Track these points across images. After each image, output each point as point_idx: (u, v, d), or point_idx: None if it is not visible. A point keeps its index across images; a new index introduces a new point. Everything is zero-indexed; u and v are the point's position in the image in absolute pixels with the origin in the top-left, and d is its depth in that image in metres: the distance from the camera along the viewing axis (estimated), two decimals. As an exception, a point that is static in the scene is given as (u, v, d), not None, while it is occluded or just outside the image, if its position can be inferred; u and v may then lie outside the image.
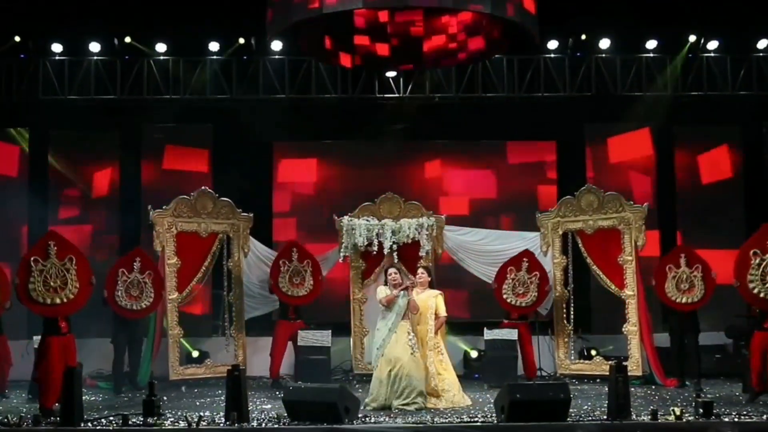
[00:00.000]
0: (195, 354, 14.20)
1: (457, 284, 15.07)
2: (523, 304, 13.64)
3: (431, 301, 11.10)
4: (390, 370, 10.42)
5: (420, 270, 11.55)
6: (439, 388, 10.86)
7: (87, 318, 11.54)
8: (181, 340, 13.62)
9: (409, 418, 9.79)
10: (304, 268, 13.89)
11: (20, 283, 10.36)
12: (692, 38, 15.42)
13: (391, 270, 11.05)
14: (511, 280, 13.68)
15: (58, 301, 10.45)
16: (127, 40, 15.20)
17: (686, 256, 12.74)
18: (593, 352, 14.15)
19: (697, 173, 16.63)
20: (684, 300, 12.65)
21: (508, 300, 13.66)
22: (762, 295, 10.97)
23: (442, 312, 11.22)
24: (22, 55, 15.40)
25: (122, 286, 12.43)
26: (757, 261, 11.01)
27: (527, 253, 13.82)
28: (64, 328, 10.74)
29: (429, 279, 11.35)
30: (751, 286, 11.04)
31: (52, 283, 10.40)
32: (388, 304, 10.69)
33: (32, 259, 10.38)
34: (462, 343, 14.77)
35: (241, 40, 15.38)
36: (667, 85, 15.70)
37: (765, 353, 11.01)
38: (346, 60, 12.07)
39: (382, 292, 10.85)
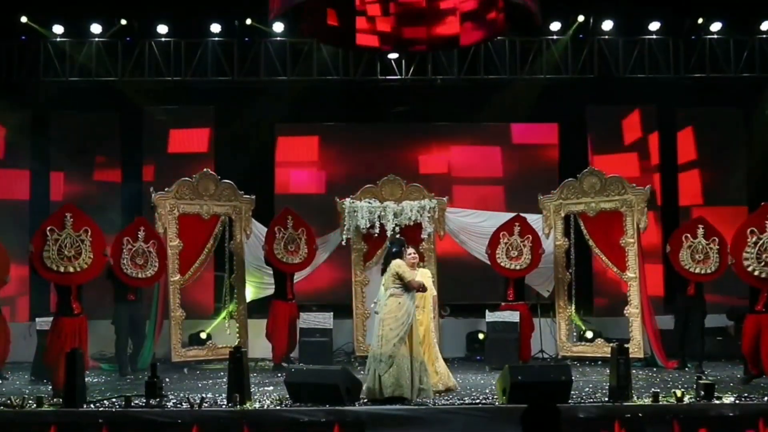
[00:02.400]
0: (203, 335, 14.21)
1: (458, 266, 15.06)
2: (518, 267, 13.63)
3: (428, 281, 10.94)
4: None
5: (410, 249, 11.28)
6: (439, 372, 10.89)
7: (88, 301, 11.55)
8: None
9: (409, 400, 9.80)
10: (299, 235, 13.88)
11: (35, 250, 10.51)
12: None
13: (411, 249, 10.49)
14: (504, 245, 13.68)
15: (71, 269, 10.60)
16: (123, 21, 15.17)
17: (704, 228, 12.68)
18: (589, 334, 14.13)
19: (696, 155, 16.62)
20: (697, 270, 12.58)
21: (502, 264, 13.65)
22: (756, 273, 11.07)
23: (434, 291, 11.30)
24: (23, 37, 15.36)
25: (127, 255, 12.43)
26: (754, 239, 11.11)
27: (519, 218, 13.85)
28: (76, 309, 10.82)
29: (417, 259, 11.22)
30: (745, 263, 11.14)
31: (66, 252, 10.57)
32: (408, 286, 9.93)
33: (48, 228, 10.54)
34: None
35: (248, 21, 15.34)
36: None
37: (758, 336, 11.05)
38: (348, 43, 12.01)
39: (406, 269, 10.01)
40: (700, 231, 12.65)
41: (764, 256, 11.02)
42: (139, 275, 12.55)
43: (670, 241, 12.89)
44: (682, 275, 12.76)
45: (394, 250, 10.19)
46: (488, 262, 13.93)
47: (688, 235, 12.69)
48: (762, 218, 11.15)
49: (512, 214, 14.61)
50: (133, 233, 12.59)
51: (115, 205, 15.99)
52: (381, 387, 9.67)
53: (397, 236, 12.98)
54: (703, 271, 12.58)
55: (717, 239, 12.49)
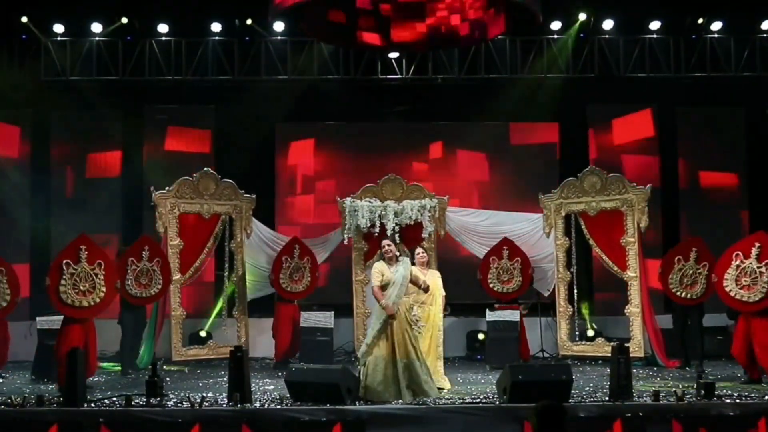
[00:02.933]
0: (203, 334, 14.20)
1: (458, 266, 15.06)
2: (510, 290, 13.74)
3: (438, 281, 11.22)
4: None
5: (419, 249, 11.50)
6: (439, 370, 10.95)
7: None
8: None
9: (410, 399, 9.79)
10: (304, 264, 13.93)
11: (51, 284, 10.62)
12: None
13: (385, 242, 10.31)
14: (494, 269, 13.81)
15: (85, 304, 10.71)
16: (124, 20, 15.16)
17: (697, 251, 12.75)
18: (590, 333, 14.16)
19: (699, 154, 16.61)
20: (683, 294, 12.73)
21: (495, 288, 13.78)
22: (732, 294, 11.23)
23: (443, 291, 11.33)
24: (24, 36, 15.36)
25: (131, 275, 12.44)
26: (737, 263, 11.24)
27: (506, 241, 13.93)
28: None
29: (427, 259, 11.41)
30: (725, 284, 11.31)
31: (81, 287, 10.68)
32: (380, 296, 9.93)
33: (64, 262, 10.64)
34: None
35: (248, 21, 15.34)
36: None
37: (751, 339, 11.07)
38: (349, 42, 12.02)
39: (377, 275, 10.02)
40: (693, 254, 12.74)
41: (742, 280, 11.14)
42: (143, 295, 12.57)
43: (662, 263, 12.99)
44: (671, 298, 13.01)
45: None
46: (480, 282, 13.94)
47: (681, 258, 12.78)
48: (750, 244, 11.30)
49: (513, 214, 14.66)
50: (138, 253, 12.56)
51: (116, 204, 16.01)
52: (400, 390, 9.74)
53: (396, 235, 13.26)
54: (688, 296, 12.72)
55: (708, 264, 12.55)
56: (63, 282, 10.57)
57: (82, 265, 10.70)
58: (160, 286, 12.66)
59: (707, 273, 12.46)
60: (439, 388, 10.49)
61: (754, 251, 11.13)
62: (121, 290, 12.25)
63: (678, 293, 12.75)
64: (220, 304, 14.25)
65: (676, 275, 12.74)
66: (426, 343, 10.87)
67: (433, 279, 11.17)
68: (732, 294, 11.23)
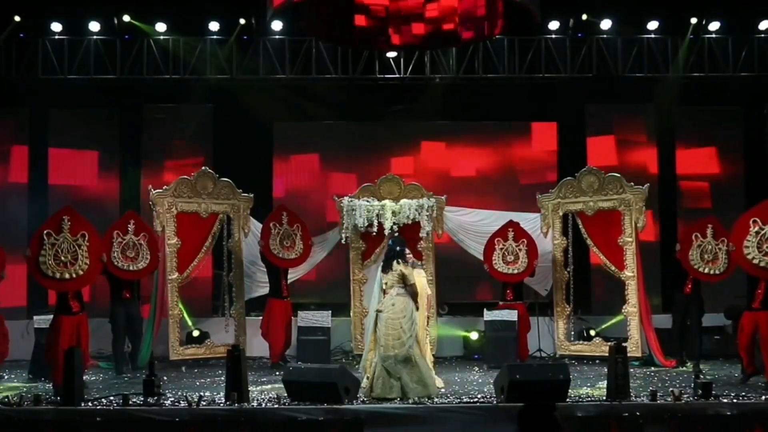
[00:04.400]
0: (195, 333, 14.18)
1: (456, 265, 15.07)
2: (515, 272, 13.65)
3: (423, 281, 11.33)
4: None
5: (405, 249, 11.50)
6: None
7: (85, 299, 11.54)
8: (184, 314, 13.79)
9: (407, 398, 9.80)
10: (294, 231, 13.89)
11: (32, 255, 10.44)
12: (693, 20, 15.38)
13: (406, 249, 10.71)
14: (499, 250, 13.72)
15: (67, 276, 10.53)
16: (126, 18, 15.14)
17: (713, 228, 12.65)
18: (592, 332, 14.18)
19: (697, 154, 16.62)
20: (707, 270, 12.55)
21: (500, 269, 13.68)
22: (755, 261, 11.06)
23: (428, 290, 11.50)
24: (21, 35, 15.34)
25: (118, 248, 12.43)
26: (756, 229, 11.11)
27: (512, 223, 13.88)
28: (75, 307, 10.83)
29: (412, 259, 11.38)
30: (746, 251, 11.13)
31: (62, 258, 10.49)
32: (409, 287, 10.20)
33: (45, 232, 10.45)
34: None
35: (242, 21, 15.32)
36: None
37: (755, 334, 11.07)
38: (347, 41, 12.00)
39: (410, 272, 10.33)
40: (709, 231, 12.63)
41: (765, 246, 11.02)
42: (131, 267, 12.54)
43: (681, 239, 12.88)
44: (691, 274, 12.74)
45: (398, 248, 10.38)
46: (484, 263, 13.92)
47: (698, 234, 12.66)
48: (766, 211, 11.19)
49: (510, 213, 14.62)
50: (123, 227, 12.61)
51: (114, 202, 16.00)
52: (403, 388, 9.71)
53: (396, 234, 13.07)
54: (712, 272, 12.56)
55: (726, 240, 12.38)
56: (43, 253, 10.36)
57: (65, 235, 10.49)
58: (147, 261, 12.63)
59: (726, 249, 12.29)
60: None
61: None
62: (107, 264, 12.13)
63: (701, 269, 12.55)
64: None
65: (696, 251, 12.56)
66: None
67: (418, 278, 11.06)
68: (756, 261, 11.03)
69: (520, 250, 13.66)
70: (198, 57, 15.56)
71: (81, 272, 10.59)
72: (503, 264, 13.68)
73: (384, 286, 10.33)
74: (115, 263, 12.41)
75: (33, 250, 10.42)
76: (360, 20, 11.27)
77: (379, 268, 10.62)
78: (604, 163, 15.31)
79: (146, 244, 12.67)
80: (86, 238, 10.63)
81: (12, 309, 13.48)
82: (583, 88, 15.97)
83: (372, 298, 10.53)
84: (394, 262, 10.22)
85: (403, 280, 10.12)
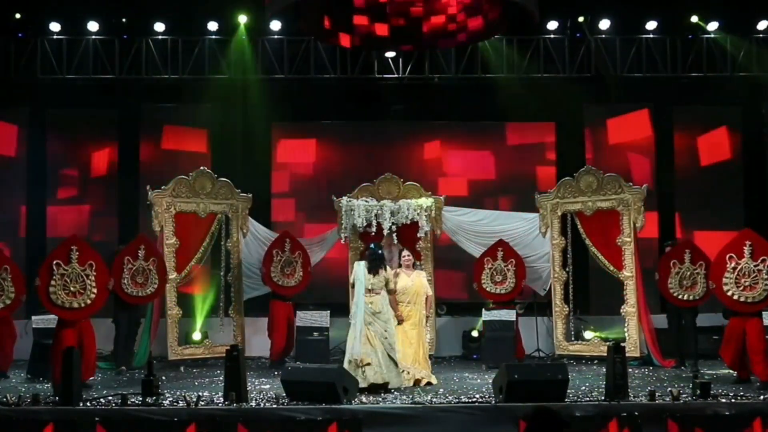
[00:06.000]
0: (198, 337, 14.16)
1: (455, 265, 15.07)
2: (503, 292, 13.66)
3: (424, 282, 11.62)
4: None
5: (405, 252, 11.83)
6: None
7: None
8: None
9: (405, 399, 9.80)
10: (296, 259, 13.92)
11: (42, 285, 10.56)
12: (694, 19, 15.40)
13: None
14: (488, 270, 13.73)
15: (75, 305, 10.65)
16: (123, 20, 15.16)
17: (691, 252, 12.74)
18: (588, 335, 14.16)
19: (696, 155, 16.61)
20: (685, 297, 12.68)
21: (488, 289, 13.71)
22: (735, 297, 11.09)
23: (429, 291, 11.75)
24: (20, 34, 15.34)
25: (128, 274, 12.46)
26: (732, 265, 11.12)
27: (501, 243, 13.89)
28: None
29: (412, 261, 11.72)
30: (725, 288, 11.16)
31: (71, 288, 10.62)
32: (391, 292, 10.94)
33: (55, 263, 10.58)
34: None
35: (242, 19, 15.30)
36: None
37: (743, 339, 11.06)
38: (345, 40, 12.01)
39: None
40: (687, 256, 12.71)
41: (742, 281, 11.05)
42: (140, 294, 12.60)
43: (659, 268, 12.97)
44: (671, 302, 12.93)
45: (380, 253, 11.05)
46: (474, 282, 13.92)
47: (676, 261, 12.76)
48: (740, 244, 11.20)
49: (509, 213, 14.66)
50: (134, 252, 12.59)
51: (112, 203, 16.00)
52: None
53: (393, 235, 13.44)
54: (690, 298, 12.68)
55: (703, 264, 12.52)
56: (53, 283, 10.52)
57: (73, 265, 10.63)
58: (155, 286, 12.68)
59: (705, 272, 12.40)
60: (428, 383, 11.13)
61: (746, 250, 11.06)
62: (117, 288, 12.23)
63: (679, 296, 12.69)
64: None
65: (674, 279, 12.70)
66: (414, 340, 11.30)
67: (419, 279, 11.55)
68: (735, 297, 11.09)
69: (508, 270, 13.67)
70: (196, 57, 15.54)
71: (89, 301, 10.74)
72: (491, 284, 13.70)
73: (370, 287, 10.70)
74: (125, 289, 12.44)
75: (43, 280, 10.57)
76: (359, 20, 11.33)
77: (362, 265, 10.85)
78: (603, 163, 15.27)
79: (155, 270, 12.68)
80: (93, 268, 10.76)
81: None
82: (581, 88, 15.94)
83: (358, 296, 10.71)
84: (380, 268, 10.78)
85: (386, 284, 10.80)
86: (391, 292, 10.88)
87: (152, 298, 12.87)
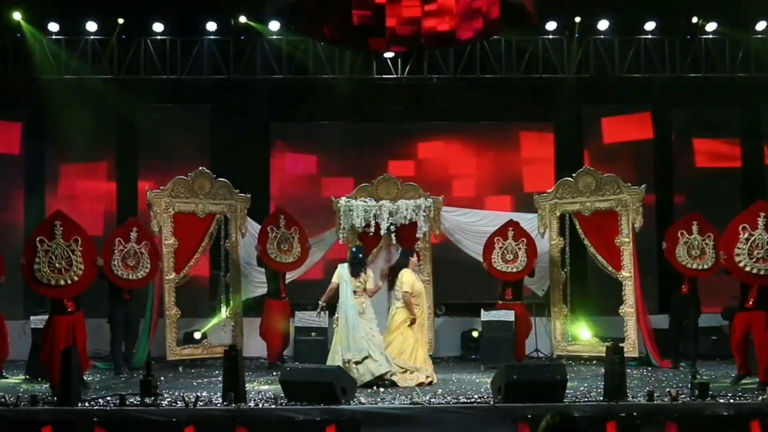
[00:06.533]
0: (197, 335, 14.16)
1: (453, 265, 15.07)
2: (514, 270, 13.64)
3: (419, 285, 11.84)
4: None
5: (414, 258, 11.94)
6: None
7: (83, 298, 11.52)
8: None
9: (404, 399, 9.79)
10: (292, 234, 13.88)
11: (26, 263, 10.30)
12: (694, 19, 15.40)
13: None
14: (499, 249, 13.71)
15: (62, 282, 10.40)
16: (120, 21, 15.13)
17: (698, 224, 12.67)
18: (587, 335, 14.14)
19: (694, 156, 16.61)
20: (694, 266, 12.59)
21: (499, 268, 13.67)
22: (747, 269, 10.91)
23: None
24: (18, 35, 15.32)
25: (119, 256, 12.31)
26: (745, 236, 10.93)
27: (512, 222, 13.88)
28: (70, 307, 10.75)
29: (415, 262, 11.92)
30: (737, 259, 10.96)
31: (57, 264, 10.34)
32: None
33: (38, 239, 10.31)
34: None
35: (241, 19, 15.31)
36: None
37: (748, 334, 11.05)
38: (345, 41, 12.00)
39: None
40: (695, 227, 12.65)
41: (755, 252, 10.87)
42: (131, 276, 12.42)
43: (666, 238, 12.87)
44: (680, 271, 12.75)
45: (361, 257, 11.63)
46: (484, 262, 13.91)
47: (684, 232, 12.69)
48: (754, 215, 11.05)
49: (508, 214, 14.62)
50: (126, 234, 12.49)
51: (111, 203, 15.99)
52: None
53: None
54: (700, 267, 12.58)
55: (712, 235, 12.46)
56: (37, 260, 10.21)
57: (57, 241, 10.30)
58: (147, 270, 12.54)
59: (713, 243, 12.32)
60: (429, 383, 11.31)
61: (760, 222, 10.84)
62: (106, 270, 12.09)
63: (689, 265, 12.59)
64: (224, 313, 14.19)
65: (683, 248, 12.61)
66: (417, 338, 11.46)
67: (411, 278, 11.63)
68: (748, 269, 10.87)
69: (519, 249, 13.64)
70: (195, 57, 15.53)
71: (76, 278, 10.44)
72: (502, 263, 13.66)
73: (354, 289, 11.23)
74: (115, 271, 12.29)
75: (27, 258, 10.28)
76: (358, 20, 11.28)
77: (345, 267, 11.37)
78: (601, 163, 15.28)
79: (147, 253, 12.54)
80: (79, 243, 10.45)
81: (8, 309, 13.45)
82: (580, 88, 15.94)
83: (345, 298, 11.16)
84: (362, 272, 11.34)
85: (365, 285, 11.36)
86: (370, 293, 11.39)
87: (143, 282, 12.69)
